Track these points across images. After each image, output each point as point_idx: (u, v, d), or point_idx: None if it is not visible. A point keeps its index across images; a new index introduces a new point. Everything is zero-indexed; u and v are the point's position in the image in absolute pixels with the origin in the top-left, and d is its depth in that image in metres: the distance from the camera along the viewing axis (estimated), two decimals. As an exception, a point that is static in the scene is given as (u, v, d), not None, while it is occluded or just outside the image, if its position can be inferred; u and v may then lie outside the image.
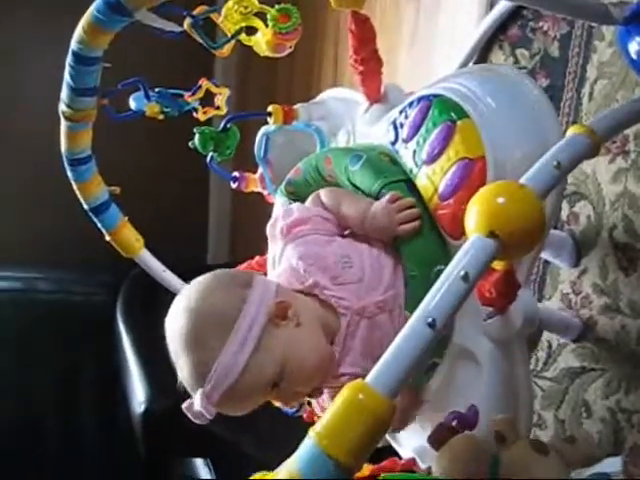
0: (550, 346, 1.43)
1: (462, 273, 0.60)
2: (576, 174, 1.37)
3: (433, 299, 0.59)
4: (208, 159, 1.21)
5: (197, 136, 1.19)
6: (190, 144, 1.20)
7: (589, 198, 1.35)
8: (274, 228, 0.99)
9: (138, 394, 2.01)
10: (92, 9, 1.02)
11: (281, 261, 0.97)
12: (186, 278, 1.07)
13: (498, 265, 0.71)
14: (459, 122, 0.91)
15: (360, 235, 0.98)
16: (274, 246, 1.01)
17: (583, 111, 1.37)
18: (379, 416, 0.54)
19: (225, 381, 0.83)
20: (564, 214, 1.40)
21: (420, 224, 0.91)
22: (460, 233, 0.87)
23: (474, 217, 0.64)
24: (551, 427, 1.45)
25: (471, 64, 1.57)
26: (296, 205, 1.03)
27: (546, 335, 1.41)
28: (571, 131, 0.78)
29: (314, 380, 0.90)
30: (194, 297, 0.88)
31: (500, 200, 0.64)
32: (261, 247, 1.13)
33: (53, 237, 2.59)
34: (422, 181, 0.94)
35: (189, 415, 0.86)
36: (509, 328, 0.84)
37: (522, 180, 0.68)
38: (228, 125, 1.18)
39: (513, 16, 1.51)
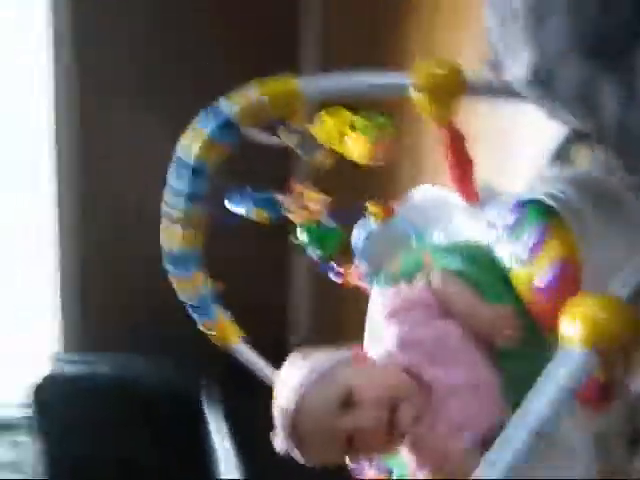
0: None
1: (566, 387, 0.63)
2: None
3: (537, 412, 0.63)
4: (315, 256, 1.26)
5: (304, 234, 1.26)
6: (295, 241, 1.27)
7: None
8: (383, 308, 1.04)
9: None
10: (207, 129, 1.13)
11: (382, 338, 1.03)
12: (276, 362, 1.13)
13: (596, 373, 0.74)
14: (554, 224, 0.95)
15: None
16: (381, 322, 1.06)
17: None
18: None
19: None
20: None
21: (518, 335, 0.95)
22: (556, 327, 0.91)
23: (575, 330, 0.68)
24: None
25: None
26: (405, 287, 1.07)
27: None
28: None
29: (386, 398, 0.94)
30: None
31: (602, 316, 0.68)
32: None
33: (148, 329, 2.72)
34: (519, 279, 0.98)
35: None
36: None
37: (615, 289, 0.72)
38: (332, 224, 1.25)
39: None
